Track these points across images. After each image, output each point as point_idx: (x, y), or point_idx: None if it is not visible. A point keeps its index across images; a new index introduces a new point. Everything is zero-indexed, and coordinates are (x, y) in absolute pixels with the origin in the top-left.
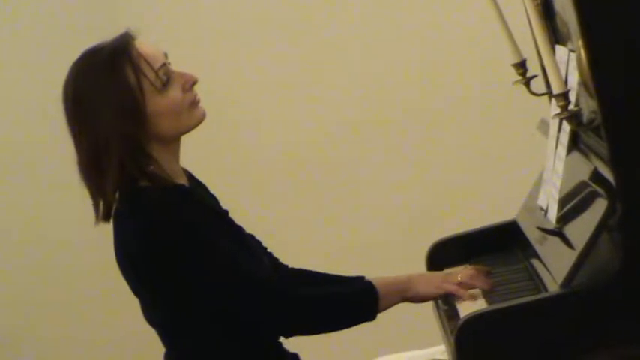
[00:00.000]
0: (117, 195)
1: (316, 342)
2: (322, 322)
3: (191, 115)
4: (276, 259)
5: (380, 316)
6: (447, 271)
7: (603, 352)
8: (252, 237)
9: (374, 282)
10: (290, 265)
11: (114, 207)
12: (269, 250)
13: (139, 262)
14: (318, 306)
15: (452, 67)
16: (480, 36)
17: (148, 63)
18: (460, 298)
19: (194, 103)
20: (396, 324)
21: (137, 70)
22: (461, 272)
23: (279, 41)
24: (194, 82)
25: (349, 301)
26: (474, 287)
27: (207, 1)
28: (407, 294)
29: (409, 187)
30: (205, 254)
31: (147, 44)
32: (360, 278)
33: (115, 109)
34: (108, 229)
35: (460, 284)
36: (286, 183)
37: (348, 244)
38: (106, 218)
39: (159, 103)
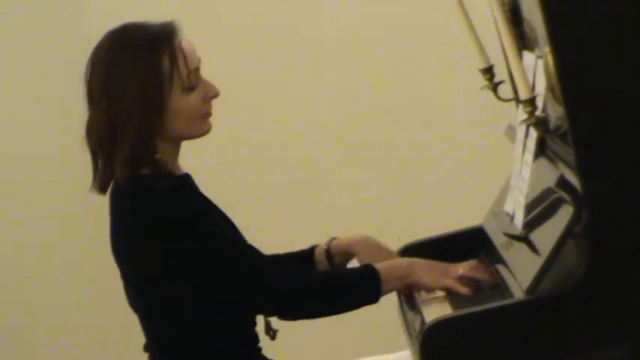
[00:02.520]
0: (119, 172)
1: (283, 346)
2: (325, 303)
3: (201, 125)
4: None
5: (346, 320)
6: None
7: (570, 357)
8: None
9: (378, 267)
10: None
11: (112, 184)
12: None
13: (134, 238)
14: (320, 287)
15: (419, 72)
16: (448, 41)
17: (185, 60)
18: (459, 292)
19: (207, 115)
20: (362, 329)
21: (173, 62)
22: (463, 267)
23: (258, 41)
24: (215, 95)
25: (353, 283)
26: (475, 279)
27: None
28: (408, 280)
29: (373, 191)
30: (206, 238)
31: (189, 42)
32: (311, 250)
33: (142, 90)
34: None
35: (461, 277)
36: (260, 180)
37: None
38: (101, 189)
39: (179, 102)
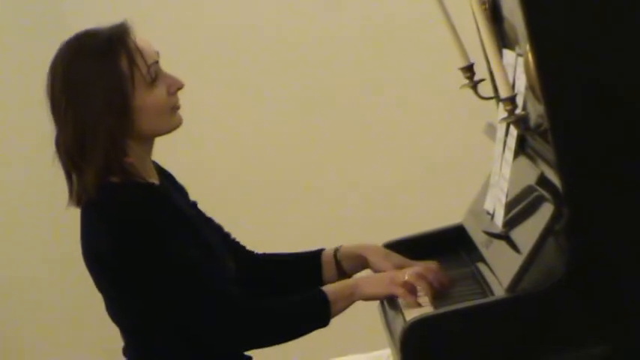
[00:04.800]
0: (90, 181)
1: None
2: (274, 333)
3: (170, 119)
4: (243, 248)
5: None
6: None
7: (550, 355)
8: (219, 229)
9: (325, 290)
10: (256, 251)
11: (84, 195)
12: (235, 239)
13: (104, 258)
14: (269, 319)
15: (399, 70)
16: (428, 39)
17: (142, 56)
18: (405, 301)
19: (175, 108)
20: (342, 327)
21: (131, 61)
22: (408, 272)
23: (239, 41)
24: (179, 88)
25: (301, 312)
26: (422, 286)
27: (150, 1)
28: (355, 297)
29: (354, 190)
30: (166, 262)
31: (143, 39)
32: (317, 254)
33: (105, 96)
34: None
35: (406, 284)
36: (233, 183)
37: (287, 245)
38: (78, 202)
39: (144, 99)
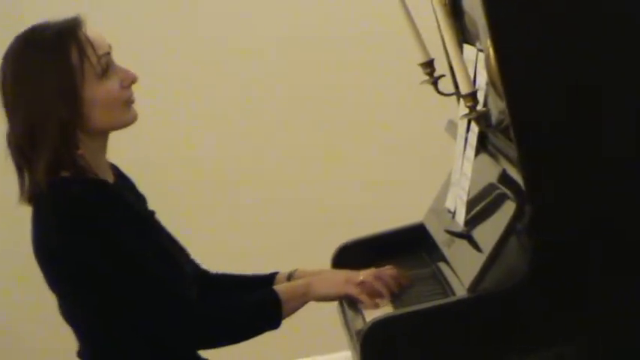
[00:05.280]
0: (41, 175)
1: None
2: (226, 334)
3: (124, 113)
4: (197, 266)
5: (285, 320)
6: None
7: (513, 355)
8: (175, 242)
9: (277, 289)
10: (212, 271)
11: (35, 190)
12: (193, 258)
13: (55, 254)
14: (221, 319)
15: (358, 66)
16: (387, 34)
17: (93, 47)
18: (361, 304)
19: (129, 102)
20: (302, 329)
21: (81, 53)
22: (364, 272)
23: (188, 40)
24: (133, 81)
25: (253, 312)
26: (377, 289)
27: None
28: (308, 297)
29: (311, 190)
30: (120, 259)
31: (95, 30)
32: (271, 277)
33: (56, 88)
34: None
35: (362, 284)
36: (191, 180)
37: (249, 247)
38: (29, 200)
39: (96, 91)
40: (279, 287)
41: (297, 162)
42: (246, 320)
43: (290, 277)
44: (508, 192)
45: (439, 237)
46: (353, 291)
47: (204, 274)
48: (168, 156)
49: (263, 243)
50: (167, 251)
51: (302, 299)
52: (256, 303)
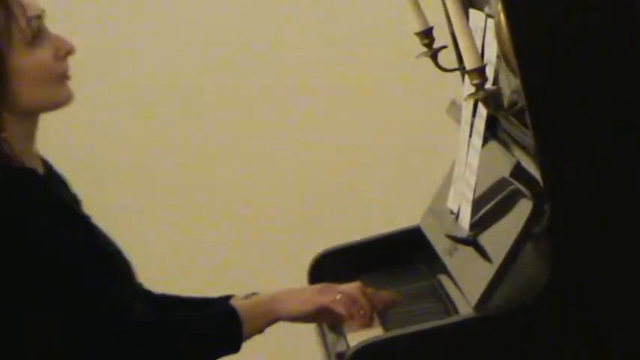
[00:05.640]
0: None
1: None
2: (174, 357)
3: (57, 89)
4: (140, 285)
5: (255, 340)
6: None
7: None
8: (119, 252)
9: (235, 305)
10: (154, 292)
11: None
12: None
13: None
14: (167, 338)
15: (343, 38)
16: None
17: (22, 8)
18: (338, 316)
19: (64, 76)
20: (273, 353)
21: (8, 13)
22: (343, 287)
23: (158, 39)
24: (69, 52)
25: (207, 331)
26: (360, 304)
27: None
28: (271, 316)
29: (288, 188)
30: (46, 259)
31: None
32: (225, 300)
33: None
34: None
35: (341, 298)
36: (160, 183)
37: (219, 260)
38: None
39: (24, 60)
40: (241, 304)
41: (271, 159)
42: (199, 340)
43: (248, 298)
44: (523, 188)
45: (439, 243)
46: (327, 301)
47: (147, 295)
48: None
49: (229, 255)
50: (108, 255)
51: (266, 318)
52: (211, 320)
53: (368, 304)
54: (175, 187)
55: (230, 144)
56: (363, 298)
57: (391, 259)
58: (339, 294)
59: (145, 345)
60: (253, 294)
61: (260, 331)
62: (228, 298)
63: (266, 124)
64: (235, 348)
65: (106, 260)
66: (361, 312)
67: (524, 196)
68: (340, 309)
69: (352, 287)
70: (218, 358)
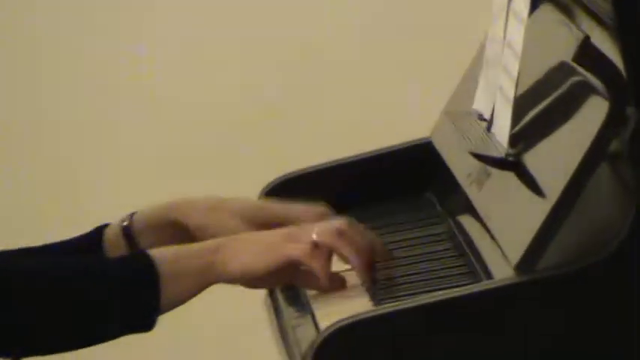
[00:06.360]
0: None
1: None
2: (44, 322)
3: None
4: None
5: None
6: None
7: None
8: None
9: (152, 254)
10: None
11: None
12: None
13: None
14: (43, 304)
15: None
16: None
17: None
18: (312, 281)
19: None
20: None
21: None
22: (318, 225)
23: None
24: None
25: (104, 288)
26: (344, 256)
27: None
28: (210, 274)
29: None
30: None
31: None
32: (97, 234)
33: None
34: None
35: (315, 248)
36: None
37: None
38: None
39: None
40: (161, 252)
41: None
42: (85, 304)
43: (128, 229)
44: (594, 79)
45: (460, 167)
46: (297, 253)
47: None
48: None
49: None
50: None
51: (201, 275)
52: (110, 273)
53: (367, 255)
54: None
55: None
56: (352, 252)
57: (389, 189)
58: (314, 235)
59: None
60: (133, 215)
61: (189, 296)
62: (101, 228)
63: None
64: (146, 322)
65: None
66: (354, 267)
67: (597, 92)
68: (316, 266)
69: (337, 225)
70: (114, 333)
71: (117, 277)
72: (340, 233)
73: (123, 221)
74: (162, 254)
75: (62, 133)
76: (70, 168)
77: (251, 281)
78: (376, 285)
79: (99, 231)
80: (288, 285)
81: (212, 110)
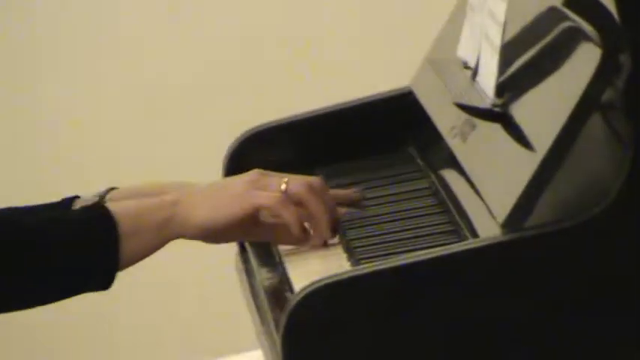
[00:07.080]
0: None
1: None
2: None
3: None
4: None
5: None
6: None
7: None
8: None
9: (115, 210)
10: None
11: None
12: None
13: None
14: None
15: None
16: None
17: None
18: (282, 234)
19: None
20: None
21: None
22: (289, 176)
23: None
24: None
25: (60, 238)
26: (313, 210)
27: None
28: (171, 228)
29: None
30: None
31: None
32: (67, 203)
33: None
34: None
35: (284, 197)
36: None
37: None
38: None
39: None
40: (117, 206)
41: None
42: (43, 251)
43: (102, 198)
44: (585, 25)
45: (443, 117)
46: (266, 201)
47: None
48: None
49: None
50: None
51: (161, 233)
52: (66, 222)
53: (332, 211)
54: None
55: None
56: (321, 205)
57: (363, 144)
58: (284, 185)
59: None
60: (109, 191)
61: (147, 253)
62: (70, 199)
63: None
64: (104, 278)
65: None
66: (321, 223)
67: (588, 38)
68: (288, 215)
69: (309, 179)
70: (69, 290)
71: (76, 233)
72: (311, 187)
73: (96, 196)
74: (122, 210)
75: (60, 130)
76: (69, 167)
77: (213, 235)
78: (352, 245)
79: (70, 199)
80: (257, 243)
81: (212, 110)
